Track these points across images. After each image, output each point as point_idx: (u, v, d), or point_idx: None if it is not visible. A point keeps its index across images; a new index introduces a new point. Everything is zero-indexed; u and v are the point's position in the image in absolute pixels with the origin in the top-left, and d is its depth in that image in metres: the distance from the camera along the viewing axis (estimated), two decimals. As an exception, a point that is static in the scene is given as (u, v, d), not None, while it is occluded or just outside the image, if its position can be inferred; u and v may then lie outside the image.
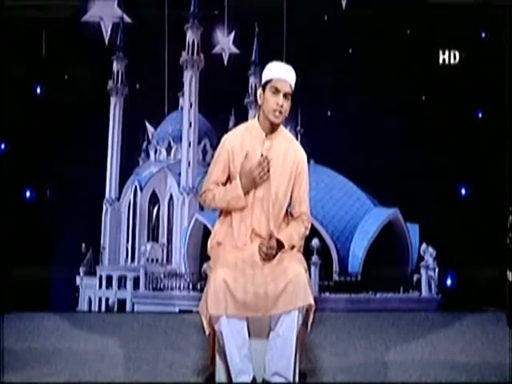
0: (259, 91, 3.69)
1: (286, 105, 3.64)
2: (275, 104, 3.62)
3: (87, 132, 6.97)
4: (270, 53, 7.17)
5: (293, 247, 3.70)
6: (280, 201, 3.70)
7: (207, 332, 3.52)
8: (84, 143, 6.95)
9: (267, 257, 3.57)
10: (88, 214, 7.23)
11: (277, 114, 3.63)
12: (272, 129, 3.71)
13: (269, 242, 3.58)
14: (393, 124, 6.87)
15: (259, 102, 3.69)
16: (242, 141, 3.71)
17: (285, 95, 3.62)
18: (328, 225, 7.41)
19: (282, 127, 3.79)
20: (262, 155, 3.67)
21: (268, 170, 3.62)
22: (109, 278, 7.59)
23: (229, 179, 3.74)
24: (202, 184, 3.78)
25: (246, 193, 3.65)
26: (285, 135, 3.79)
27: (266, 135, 3.72)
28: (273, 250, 3.57)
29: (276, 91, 3.62)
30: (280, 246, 3.61)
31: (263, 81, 3.67)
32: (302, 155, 3.77)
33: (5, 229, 6.19)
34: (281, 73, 3.66)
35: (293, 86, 3.68)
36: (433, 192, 6.80)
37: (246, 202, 3.65)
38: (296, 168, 3.72)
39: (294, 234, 3.69)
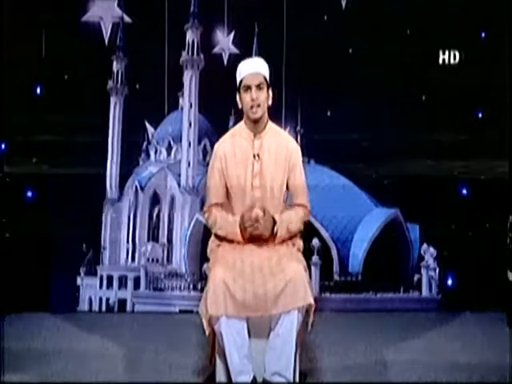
0: (237, 96, 3.70)
1: (262, 96, 3.63)
2: (249, 100, 3.61)
3: (87, 132, 6.96)
4: (270, 53, 7.17)
5: (290, 239, 3.70)
6: (277, 198, 3.72)
7: (207, 332, 3.52)
8: (84, 143, 6.95)
9: (254, 230, 3.57)
10: (88, 214, 7.23)
11: (254, 109, 3.63)
12: (259, 127, 3.71)
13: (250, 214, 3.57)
14: (393, 124, 6.87)
15: (239, 105, 3.70)
16: (233, 145, 3.72)
17: (258, 87, 3.62)
18: (328, 225, 7.40)
19: (270, 123, 3.78)
20: (254, 156, 3.68)
21: (258, 222, 3.59)
22: (109, 278, 7.59)
23: (227, 187, 3.75)
24: (203, 188, 3.79)
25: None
26: (274, 131, 3.78)
27: (255, 135, 3.72)
28: (257, 222, 3.57)
29: (247, 88, 3.62)
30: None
31: (237, 84, 3.68)
32: (294, 147, 3.77)
33: (5, 229, 6.19)
34: (247, 69, 3.65)
35: (266, 75, 3.68)
36: (433, 192, 6.80)
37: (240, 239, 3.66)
38: (289, 161, 3.72)
39: (292, 214, 3.69)
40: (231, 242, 3.72)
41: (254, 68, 3.66)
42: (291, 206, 3.78)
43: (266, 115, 3.75)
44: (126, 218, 7.84)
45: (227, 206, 3.78)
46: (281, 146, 3.73)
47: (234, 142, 3.74)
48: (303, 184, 3.78)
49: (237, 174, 3.70)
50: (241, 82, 3.65)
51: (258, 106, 3.62)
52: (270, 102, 3.71)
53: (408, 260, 7.38)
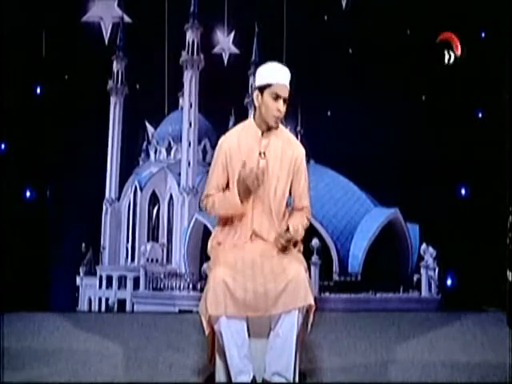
0: (256, 92, 3.67)
1: (285, 109, 3.65)
2: (276, 110, 3.61)
3: (87, 132, 6.96)
4: (270, 53, 7.17)
5: (295, 244, 3.71)
6: (279, 198, 3.71)
7: (207, 332, 3.51)
8: (84, 143, 6.95)
9: (284, 249, 3.57)
10: (88, 214, 7.23)
11: (277, 119, 3.64)
12: (269, 128, 3.71)
13: (286, 235, 3.57)
14: (393, 124, 6.87)
15: (256, 103, 3.67)
16: (239, 141, 3.70)
17: (284, 100, 3.63)
18: (328, 225, 7.41)
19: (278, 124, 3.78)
20: (260, 153, 3.67)
21: (263, 175, 3.60)
22: (109, 278, 7.60)
23: (228, 181, 3.73)
24: (202, 188, 3.77)
25: (244, 199, 3.64)
26: (282, 132, 3.77)
27: (263, 133, 3.72)
28: (290, 242, 3.58)
29: (277, 97, 3.61)
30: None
31: (261, 82, 3.65)
32: (300, 151, 3.77)
33: (5, 229, 6.19)
34: (281, 77, 3.63)
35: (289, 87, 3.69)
36: (433, 192, 6.79)
37: (244, 209, 3.65)
38: (294, 164, 3.72)
39: (299, 226, 3.69)
40: (232, 241, 3.72)
41: (287, 79, 3.65)
42: (293, 210, 3.78)
43: None
44: (125, 218, 7.84)
45: None
46: (287, 148, 3.73)
47: (241, 137, 3.72)
48: (306, 189, 3.78)
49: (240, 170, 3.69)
50: (269, 85, 3.63)
51: (280, 117, 3.65)
52: None
53: (407, 260, 7.39)
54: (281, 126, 3.78)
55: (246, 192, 3.61)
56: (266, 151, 3.69)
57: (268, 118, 3.64)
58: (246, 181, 3.57)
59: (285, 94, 3.62)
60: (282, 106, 3.61)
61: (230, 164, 3.69)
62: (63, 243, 6.94)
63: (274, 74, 3.64)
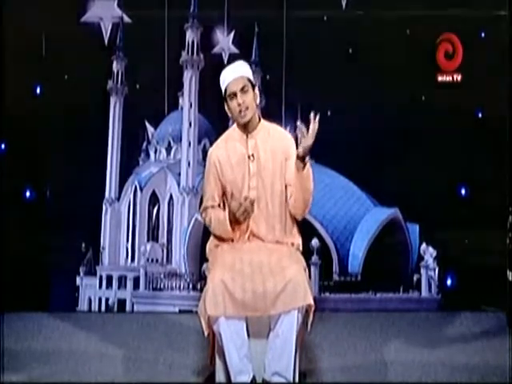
0: (225, 106, 3.71)
1: (249, 98, 3.65)
2: (237, 106, 3.63)
3: (87, 132, 6.96)
4: (270, 53, 7.18)
5: (289, 238, 3.70)
6: (278, 196, 3.72)
7: (206, 333, 3.52)
8: (84, 143, 6.95)
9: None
10: (88, 213, 7.22)
11: (242, 113, 3.64)
12: (250, 128, 3.72)
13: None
14: (392, 124, 6.87)
15: (228, 113, 3.71)
16: (227, 149, 3.74)
17: (243, 90, 3.62)
18: (328, 225, 7.40)
19: (262, 122, 3.79)
20: (249, 156, 3.67)
21: (252, 207, 3.59)
22: (109, 278, 7.59)
23: (224, 191, 3.75)
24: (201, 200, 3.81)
25: (236, 227, 3.66)
26: (267, 128, 3.78)
27: (248, 135, 3.73)
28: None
29: (232, 96, 3.63)
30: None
31: (223, 93, 3.69)
32: (288, 140, 3.79)
33: (5, 229, 6.19)
34: (229, 76, 3.66)
35: (249, 76, 3.69)
36: (433, 192, 6.79)
37: (233, 236, 3.66)
38: (286, 154, 3.74)
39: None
40: (230, 241, 3.73)
41: (235, 73, 3.67)
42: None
43: (257, 115, 3.76)
44: (125, 218, 7.84)
45: (224, 206, 3.79)
46: (276, 141, 3.75)
47: (228, 145, 3.75)
48: None
49: (233, 178, 3.71)
50: (225, 91, 3.66)
51: (247, 108, 3.64)
52: (258, 101, 3.72)
53: (407, 260, 7.38)
54: (264, 121, 3.79)
55: (238, 221, 3.63)
56: (254, 153, 3.70)
57: (237, 118, 3.68)
58: (236, 214, 3.58)
59: (238, 86, 3.63)
60: (239, 99, 3.62)
61: (222, 174, 3.72)
62: (63, 243, 6.93)
63: (223, 79, 3.69)
